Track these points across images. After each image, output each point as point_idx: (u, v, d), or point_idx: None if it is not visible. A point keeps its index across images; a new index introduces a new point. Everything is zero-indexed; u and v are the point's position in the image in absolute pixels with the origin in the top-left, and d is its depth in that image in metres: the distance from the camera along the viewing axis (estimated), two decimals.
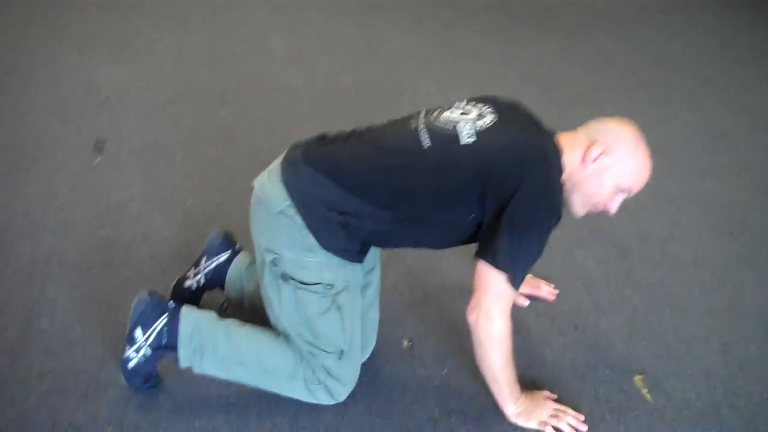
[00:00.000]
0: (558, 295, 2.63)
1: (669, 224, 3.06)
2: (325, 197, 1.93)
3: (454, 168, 1.90)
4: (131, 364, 2.09)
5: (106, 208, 2.96)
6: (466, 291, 2.41)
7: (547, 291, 2.62)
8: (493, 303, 1.94)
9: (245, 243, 2.14)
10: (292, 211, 1.93)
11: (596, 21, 5.29)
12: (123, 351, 2.09)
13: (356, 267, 2.06)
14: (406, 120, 2.05)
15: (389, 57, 4.55)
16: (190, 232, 2.80)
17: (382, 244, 2.15)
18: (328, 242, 1.95)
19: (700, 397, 2.25)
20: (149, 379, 2.14)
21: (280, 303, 2.02)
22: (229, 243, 2.43)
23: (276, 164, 2.03)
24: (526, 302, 2.55)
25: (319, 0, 5.42)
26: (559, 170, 1.95)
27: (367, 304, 2.25)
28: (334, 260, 1.99)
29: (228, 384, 2.18)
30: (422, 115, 2.05)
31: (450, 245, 2.16)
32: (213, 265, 2.38)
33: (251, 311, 2.33)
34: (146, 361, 2.09)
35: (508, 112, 2.02)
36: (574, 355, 2.39)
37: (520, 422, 2.13)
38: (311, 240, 1.94)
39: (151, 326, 2.07)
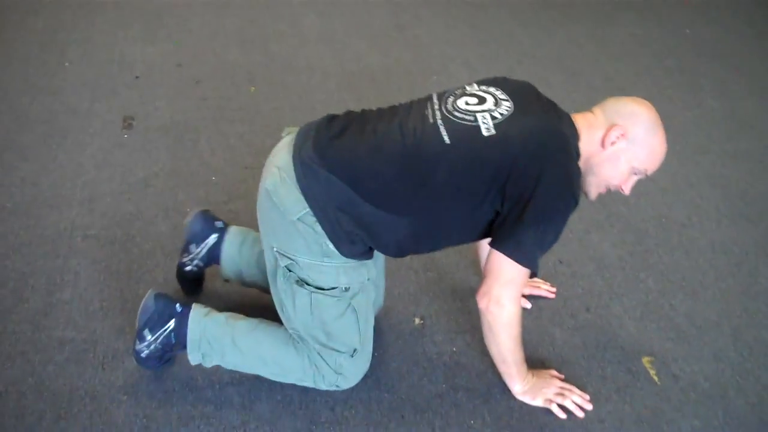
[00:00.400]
0: (571, 276, 2.65)
1: (688, 209, 3.06)
2: (345, 206, 1.90)
3: (477, 162, 1.86)
4: (143, 355, 2.13)
5: (131, 184, 3.01)
6: (479, 271, 2.46)
7: (546, 289, 2.59)
8: (504, 289, 1.94)
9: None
10: (311, 219, 1.90)
11: (628, 7, 5.24)
12: (134, 344, 2.13)
13: (370, 263, 2.07)
14: (421, 109, 1.99)
15: (419, 39, 4.56)
16: (213, 209, 2.81)
17: (399, 252, 2.10)
18: (347, 250, 1.95)
19: (707, 379, 2.28)
20: (162, 357, 2.16)
21: (294, 307, 2.01)
22: (211, 225, 2.38)
23: (285, 159, 1.95)
24: (528, 305, 2.53)
25: None
26: (577, 155, 1.95)
27: (376, 275, 2.23)
28: (351, 263, 1.99)
29: None
30: (436, 104, 1.99)
31: (466, 241, 2.16)
32: (204, 250, 2.35)
33: (253, 287, 2.38)
34: (158, 350, 2.13)
35: (522, 97, 1.99)
36: (584, 335, 2.41)
37: (527, 399, 2.17)
38: (330, 247, 1.93)
39: (159, 330, 2.10)
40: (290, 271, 1.98)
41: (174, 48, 4.25)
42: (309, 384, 2.13)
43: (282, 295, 2.03)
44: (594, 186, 2.04)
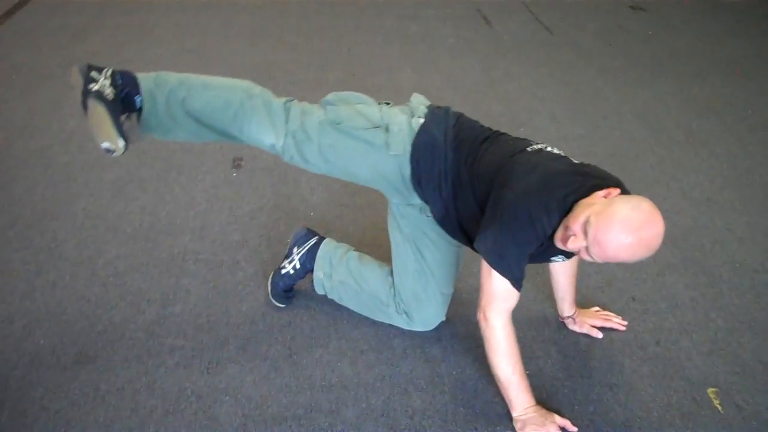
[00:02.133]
0: (643, 313, 2.79)
1: (763, 257, 3.16)
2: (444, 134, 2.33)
3: (497, 156, 2.23)
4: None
5: (238, 216, 3.29)
6: (553, 304, 2.66)
7: (617, 322, 2.72)
8: (488, 304, 2.14)
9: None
10: (423, 112, 2.41)
11: (716, 67, 5.36)
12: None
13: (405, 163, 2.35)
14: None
15: (509, 94, 4.78)
16: None
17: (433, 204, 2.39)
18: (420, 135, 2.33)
19: None
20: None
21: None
22: (314, 233, 2.78)
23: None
24: (599, 335, 2.66)
25: (449, 42, 5.70)
26: (561, 206, 2.04)
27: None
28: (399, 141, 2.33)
29: (331, 367, 2.47)
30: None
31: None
32: (305, 250, 2.71)
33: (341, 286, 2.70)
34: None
35: (582, 164, 2.20)
36: (652, 366, 2.55)
37: (517, 428, 2.27)
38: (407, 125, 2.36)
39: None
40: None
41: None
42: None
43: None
44: (563, 224, 2.04)
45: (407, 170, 2.33)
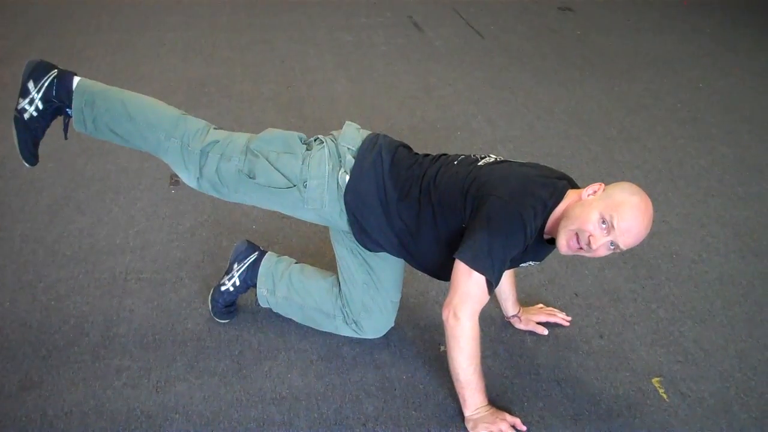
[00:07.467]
0: (587, 308, 2.83)
1: (699, 246, 3.24)
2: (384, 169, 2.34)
3: (456, 178, 2.26)
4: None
5: (179, 233, 3.26)
6: (497, 305, 2.68)
7: (562, 317, 2.76)
8: (461, 303, 2.13)
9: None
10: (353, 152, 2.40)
11: (646, 64, 5.48)
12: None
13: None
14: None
15: (444, 99, 4.81)
16: None
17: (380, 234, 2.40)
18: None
19: (713, 396, 2.44)
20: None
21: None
22: (254, 247, 2.74)
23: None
24: (545, 331, 2.70)
25: (381, 49, 5.72)
26: (543, 207, 2.15)
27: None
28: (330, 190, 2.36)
29: (281, 379, 2.46)
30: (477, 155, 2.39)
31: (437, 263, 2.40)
32: (245, 266, 2.67)
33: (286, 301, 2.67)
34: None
35: (538, 165, 2.35)
36: (597, 359, 2.59)
37: (469, 428, 2.29)
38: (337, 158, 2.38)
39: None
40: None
41: (216, 113, 4.50)
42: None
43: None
44: (563, 230, 2.13)
45: (333, 219, 2.41)
